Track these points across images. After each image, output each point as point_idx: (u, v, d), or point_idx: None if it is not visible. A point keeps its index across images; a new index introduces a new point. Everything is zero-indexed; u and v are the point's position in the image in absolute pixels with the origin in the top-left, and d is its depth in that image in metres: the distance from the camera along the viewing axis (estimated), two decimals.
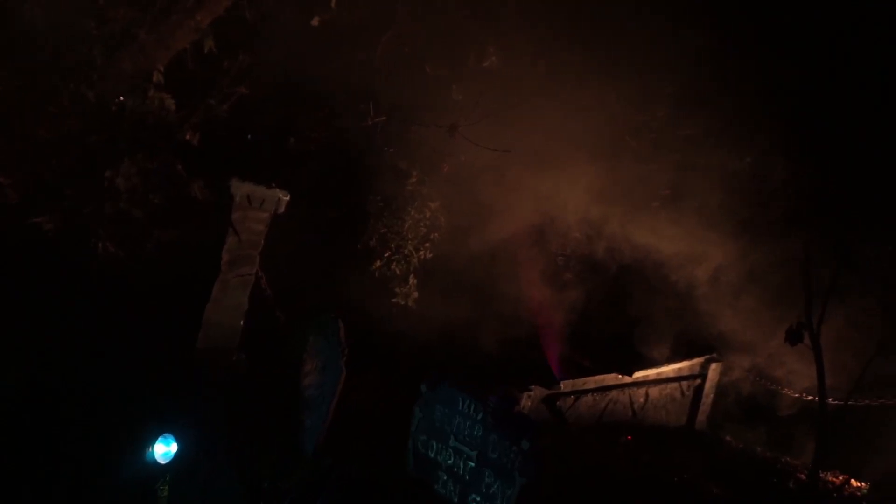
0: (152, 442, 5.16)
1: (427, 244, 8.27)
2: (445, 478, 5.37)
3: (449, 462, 5.36)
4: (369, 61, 7.19)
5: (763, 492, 7.08)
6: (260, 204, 7.16)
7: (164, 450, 5.17)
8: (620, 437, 7.70)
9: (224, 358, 6.98)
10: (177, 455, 5.15)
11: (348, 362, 5.76)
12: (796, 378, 8.14)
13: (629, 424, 8.05)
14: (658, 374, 8.39)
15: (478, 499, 5.10)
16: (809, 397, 7.83)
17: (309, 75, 7.26)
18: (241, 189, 7.06)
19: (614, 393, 8.03)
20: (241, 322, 7.19)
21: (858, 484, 7.45)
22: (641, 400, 8.29)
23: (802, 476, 7.35)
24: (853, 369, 6.57)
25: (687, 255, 8.21)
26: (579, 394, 7.71)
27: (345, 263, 8.29)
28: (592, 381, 7.86)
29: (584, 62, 7.07)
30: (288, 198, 7.24)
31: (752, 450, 8.34)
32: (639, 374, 8.16)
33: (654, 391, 8.38)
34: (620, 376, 8.04)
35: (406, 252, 8.22)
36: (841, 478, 7.44)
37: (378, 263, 8.22)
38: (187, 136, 6.68)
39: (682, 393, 8.65)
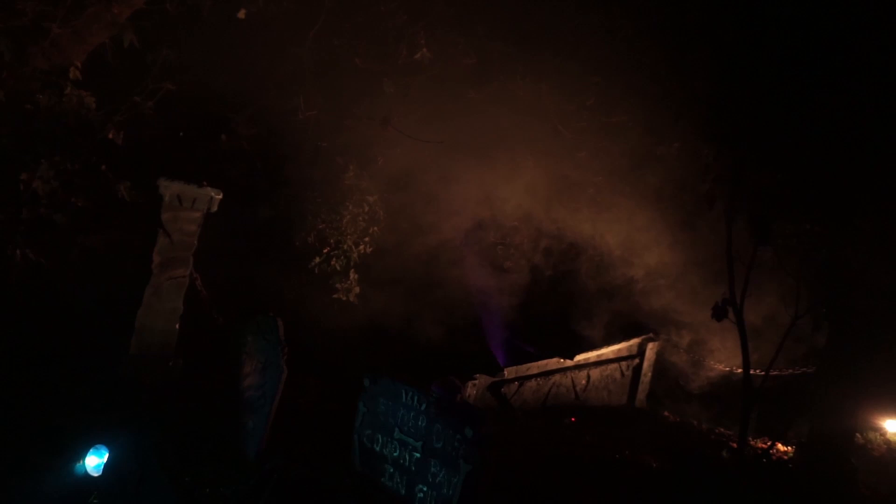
0: (83, 454, 4.96)
1: (367, 238, 8.23)
2: (392, 470, 5.37)
3: (395, 454, 5.37)
4: (298, 54, 7.06)
5: (698, 461, 7.41)
6: (191, 203, 6.91)
7: (96, 462, 4.97)
8: (565, 419, 7.91)
9: (159, 364, 6.75)
10: (110, 466, 4.96)
11: (289, 361, 5.67)
12: (727, 353, 8.56)
13: (573, 406, 8.28)
14: (598, 356, 8.65)
15: (424, 489, 5.12)
16: (739, 370, 8.22)
17: (237, 70, 7.08)
18: (170, 188, 6.80)
19: (557, 377, 8.23)
20: (177, 326, 6.98)
21: (784, 448, 7.91)
22: (584, 382, 8.52)
23: (734, 444, 7.74)
24: (778, 341, 6.93)
25: (621, 238, 8.49)
26: (523, 380, 7.86)
27: (283, 261, 8.16)
28: (535, 367, 8.04)
29: (514, 54, 7.17)
30: (220, 196, 7.02)
31: (689, 423, 8.72)
32: (580, 358, 8.39)
33: (595, 373, 8.63)
34: (563, 360, 8.25)
35: (345, 247, 8.15)
36: (768, 443, 7.88)
37: (317, 260, 8.13)
38: (110, 135, 6.39)
39: (622, 373, 8.94)
